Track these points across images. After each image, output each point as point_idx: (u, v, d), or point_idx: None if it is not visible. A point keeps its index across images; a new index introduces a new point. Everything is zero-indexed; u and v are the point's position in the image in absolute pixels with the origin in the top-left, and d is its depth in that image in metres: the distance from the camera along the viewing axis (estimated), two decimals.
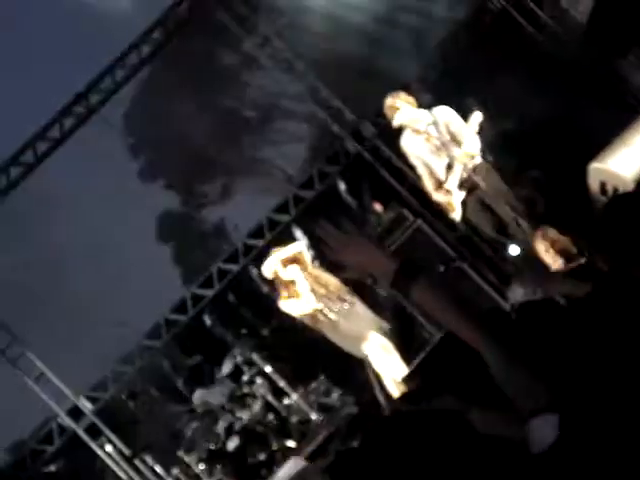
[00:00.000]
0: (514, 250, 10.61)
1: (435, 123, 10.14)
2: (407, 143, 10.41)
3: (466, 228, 11.24)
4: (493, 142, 11.45)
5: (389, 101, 10.32)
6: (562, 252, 8.58)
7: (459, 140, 10.14)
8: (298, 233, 11.85)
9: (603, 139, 9.71)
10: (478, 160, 10.24)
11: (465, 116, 10.39)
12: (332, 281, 9.87)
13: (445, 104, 10.50)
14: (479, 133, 10.29)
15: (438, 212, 11.22)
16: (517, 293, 7.58)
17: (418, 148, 10.25)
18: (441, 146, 10.15)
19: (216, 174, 24.74)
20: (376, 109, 11.93)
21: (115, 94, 13.16)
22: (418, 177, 10.81)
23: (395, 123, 10.37)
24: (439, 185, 10.23)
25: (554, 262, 8.64)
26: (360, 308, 9.98)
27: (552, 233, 8.77)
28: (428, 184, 10.37)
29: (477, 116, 10.05)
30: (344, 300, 9.75)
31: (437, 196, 10.38)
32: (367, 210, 12.91)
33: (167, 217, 25.23)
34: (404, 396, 7.88)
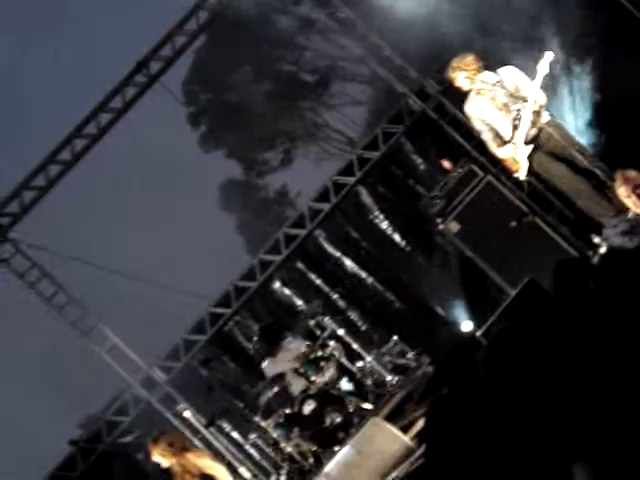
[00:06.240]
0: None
1: (501, 83, 9.92)
2: (471, 106, 10.19)
3: (536, 183, 11.06)
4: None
5: (454, 64, 10.09)
6: None
7: (526, 97, 9.87)
8: None
9: None
10: (546, 116, 10.01)
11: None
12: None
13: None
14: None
15: (506, 168, 11.04)
16: (613, 238, 7.32)
17: (483, 110, 10.03)
18: (508, 104, 9.92)
19: (276, 140, 24.65)
20: (439, 66, 11.74)
21: (176, 61, 13.12)
22: (484, 142, 10.60)
23: (460, 86, 10.17)
24: (504, 143, 10.00)
25: (636, 207, 8.24)
26: None
27: (633, 175, 8.32)
28: (493, 146, 10.16)
29: (548, 55, 9.57)
30: None
31: (502, 153, 10.13)
32: (434, 168, 12.75)
33: (230, 186, 25.21)
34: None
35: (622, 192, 8.32)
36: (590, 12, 11.97)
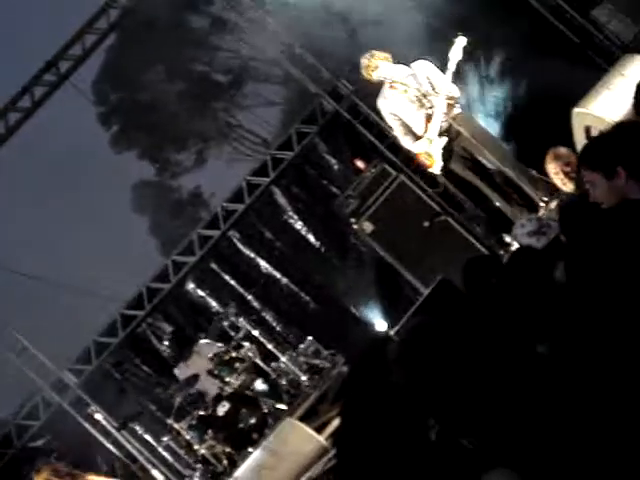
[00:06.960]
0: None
1: (414, 76, 9.81)
2: (384, 101, 10.07)
3: (448, 180, 11.02)
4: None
5: (365, 60, 9.97)
6: (573, 175, 8.00)
7: (439, 90, 9.75)
8: None
9: (583, 86, 9.59)
10: (458, 110, 9.95)
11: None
12: None
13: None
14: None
15: (418, 168, 11.05)
16: (522, 237, 7.36)
17: (395, 104, 9.93)
18: (420, 97, 9.82)
19: (189, 141, 24.51)
20: (351, 66, 11.73)
21: (86, 60, 12.96)
22: (395, 137, 10.54)
23: (372, 80, 10.01)
24: (418, 138, 9.88)
25: (563, 184, 8.14)
26: None
27: (564, 152, 8.23)
28: (405, 142, 10.08)
29: (461, 40, 9.42)
30: None
31: (416, 147, 9.98)
32: (348, 168, 12.76)
33: (142, 187, 25.01)
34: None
35: (551, 169, 8.17)
36: (506, 18, 12.05)
